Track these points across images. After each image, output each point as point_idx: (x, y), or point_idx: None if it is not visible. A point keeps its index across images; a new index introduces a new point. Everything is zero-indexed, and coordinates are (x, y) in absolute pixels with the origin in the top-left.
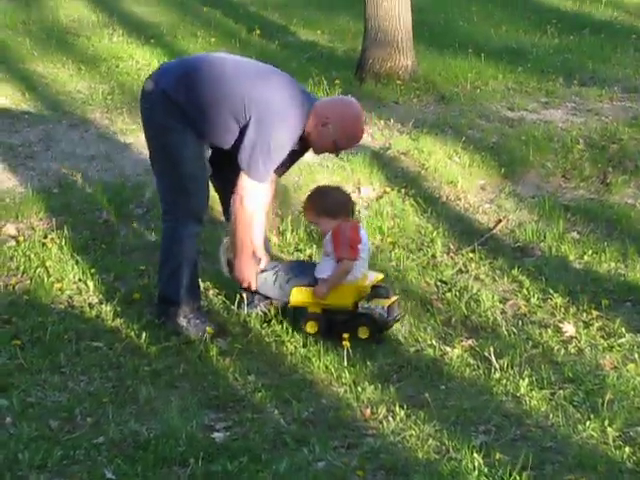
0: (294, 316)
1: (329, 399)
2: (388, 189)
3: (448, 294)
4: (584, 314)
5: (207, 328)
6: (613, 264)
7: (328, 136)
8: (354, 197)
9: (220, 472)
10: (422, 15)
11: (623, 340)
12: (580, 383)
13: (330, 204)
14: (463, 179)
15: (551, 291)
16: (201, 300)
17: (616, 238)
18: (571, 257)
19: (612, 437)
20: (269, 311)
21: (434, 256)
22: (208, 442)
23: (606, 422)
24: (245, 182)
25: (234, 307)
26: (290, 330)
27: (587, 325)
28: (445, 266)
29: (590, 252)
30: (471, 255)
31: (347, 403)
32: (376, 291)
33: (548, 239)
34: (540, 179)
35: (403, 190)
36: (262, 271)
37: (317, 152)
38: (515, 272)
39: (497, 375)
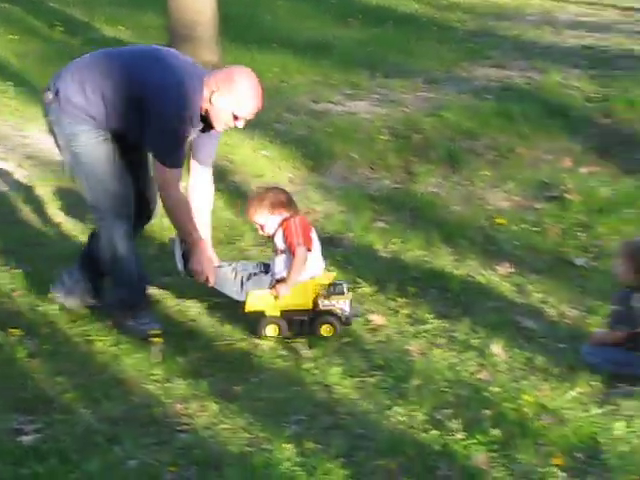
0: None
1: (140, 397)
2: None
3: None
4: (392, 302)
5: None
6: (419, 252)
7: (224, 107)
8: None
9: (29, 475)
10: (227, 9)
11: (429, 326)
12: (389, 370)
13: (274, 203)
14: (271, 172)
15: (359, 280)
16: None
17: (421, 226)
18: (378, 246)
19: (420, 421)
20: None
21: (244, 249)
22: (15, 445)
23: (414, 407)
24: (163, 171)
25: (41, 307)
26: (99, 329)
27: (395, 312)
28: (255, 259)
29: (396, 241)
30: None
31: (158, 400)
32: (332, 288)
33: (355, 229)
34: (347, 170)
35: None
36: (218, 266)
37: (219, 127)
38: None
39: (308, 365)
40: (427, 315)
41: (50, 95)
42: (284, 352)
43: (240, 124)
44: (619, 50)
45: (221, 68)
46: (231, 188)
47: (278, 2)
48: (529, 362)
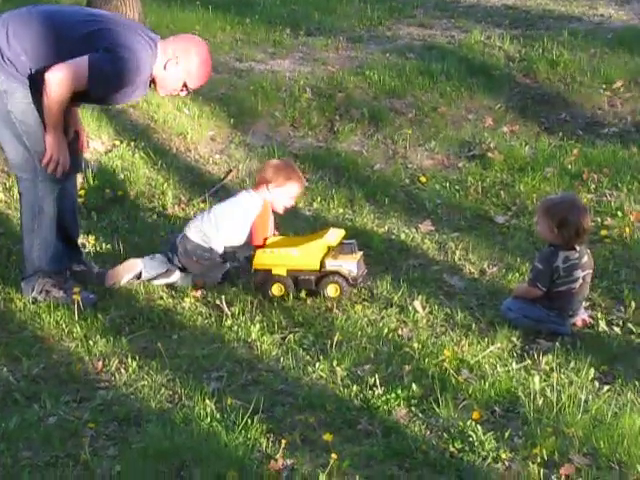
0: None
1: (60, 354)
2: (117, 142)
3: None
4: None
5: None
6: (341, 210)
7: (178, 76)
8: None
9: None
10: None
11: None
12: (310, 327)
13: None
14: (193, 131)
15: None
16: None
17: (344, 185)
18: (300, 204)
19: (340, 377)
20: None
21: (165, 207)
22: None
23: (335, 363)
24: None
25: None
26: (19, 287)
27: None
28: (176, 217)
29: (319, 199)
30: (202, 205)
31: (79, 357)
32: (342, 248)
33: None
34: (269, 128)
35: (132, 143)
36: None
37: (163, 93)
38: None
39: (229, 322)
40: None
41: None
42: (205, 310)
43: (184, 93)
44: (541, 11)
45: (176, 35)
46: (152, 146)
47: None
48: (450, 318)
